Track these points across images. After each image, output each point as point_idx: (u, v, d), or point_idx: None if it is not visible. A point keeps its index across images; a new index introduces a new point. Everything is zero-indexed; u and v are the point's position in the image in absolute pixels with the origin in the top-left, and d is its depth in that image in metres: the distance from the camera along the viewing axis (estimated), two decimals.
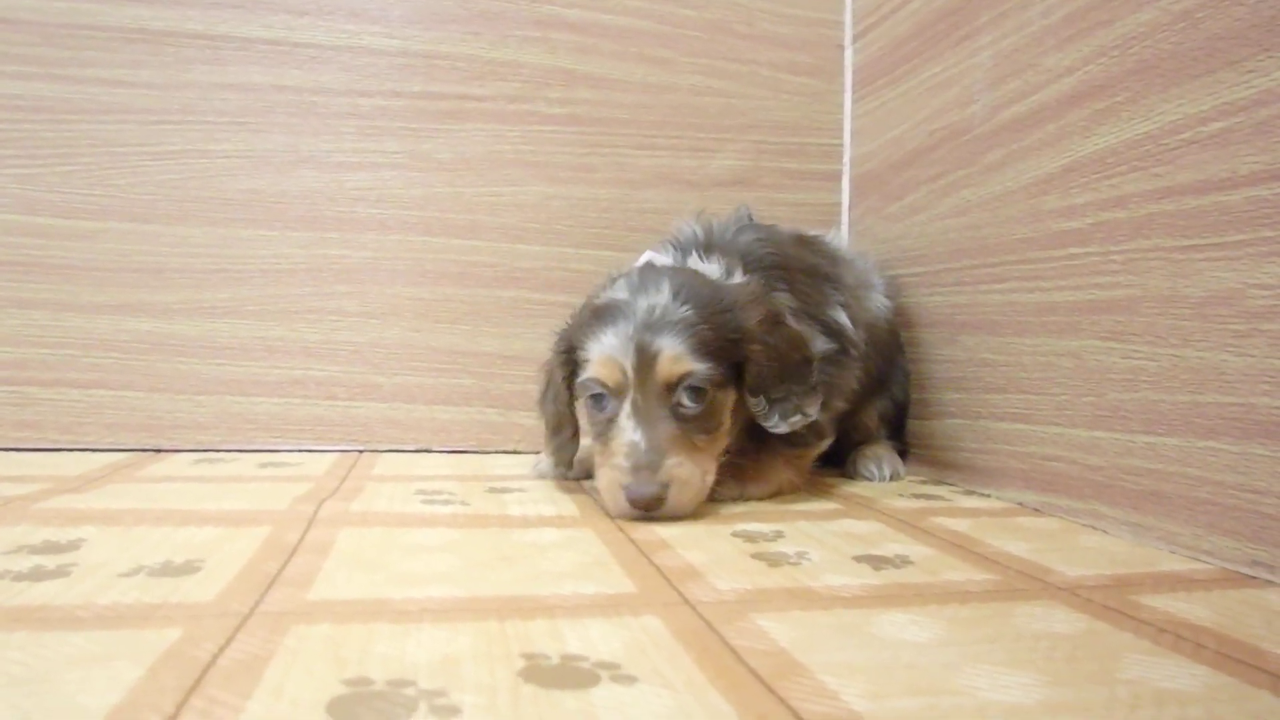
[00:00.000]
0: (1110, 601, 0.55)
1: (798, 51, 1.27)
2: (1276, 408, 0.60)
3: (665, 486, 0.75)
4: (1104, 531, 0.75)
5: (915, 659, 0.44)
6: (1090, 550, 0.68)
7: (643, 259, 0.94)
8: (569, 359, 0.86)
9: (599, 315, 0.82)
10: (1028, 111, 0.87)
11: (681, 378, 0.78)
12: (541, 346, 1.19)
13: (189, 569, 0.57)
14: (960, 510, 0.84)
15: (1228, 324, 0.64)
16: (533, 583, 0.56)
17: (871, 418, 1.05)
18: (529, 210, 1.21)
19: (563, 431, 0.90)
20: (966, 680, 0.41)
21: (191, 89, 1.14)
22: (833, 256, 1.02)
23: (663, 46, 1.24)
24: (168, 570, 0.56)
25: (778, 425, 0.83)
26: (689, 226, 0.97)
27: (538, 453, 1.10)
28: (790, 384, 0.83)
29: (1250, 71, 0.63)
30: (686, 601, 0.53)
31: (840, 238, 1.13)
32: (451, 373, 1.20)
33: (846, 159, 1.27)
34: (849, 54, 1.27)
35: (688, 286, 0.82)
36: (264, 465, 1.02)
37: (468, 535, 0.69)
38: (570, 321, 0.89)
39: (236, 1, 1.15)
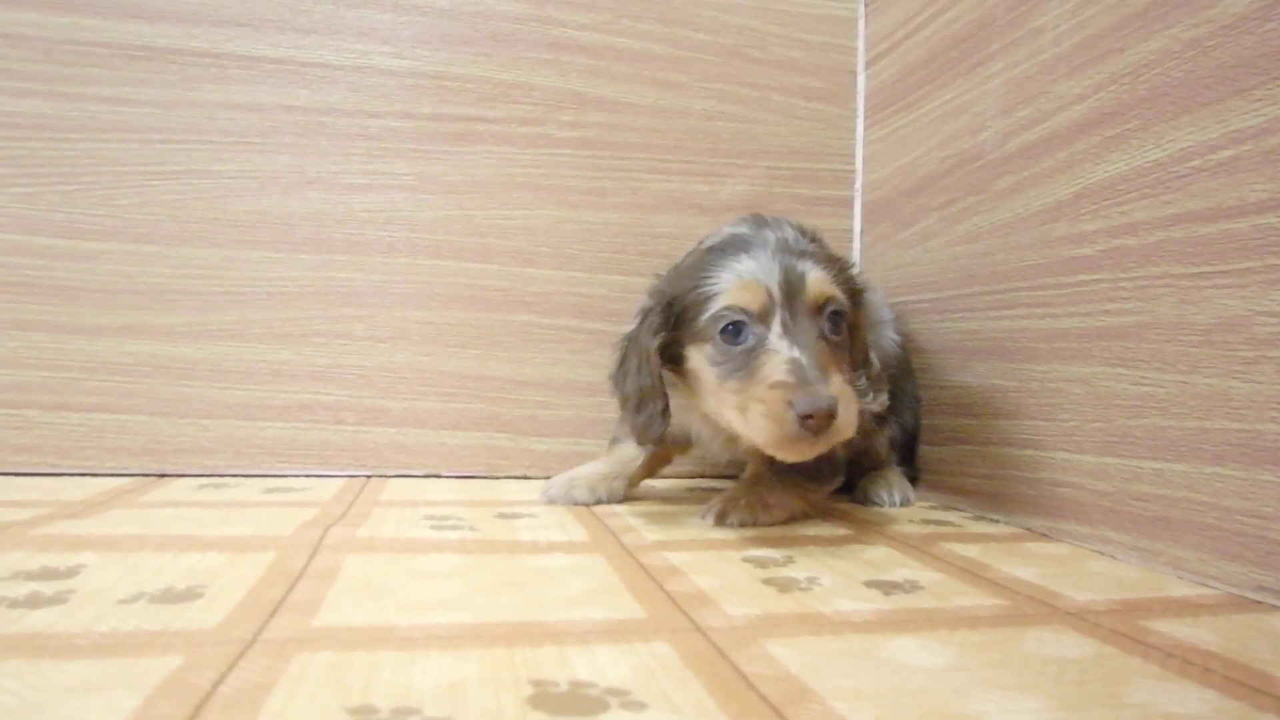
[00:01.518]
0: (1119, 626, 0.55)
1: (810, 77, 1.29)
2: None
3: (836, 400, 0.69)
4: (1112, 557, 0.76)
5: (925, 684, 0.45)
6: (1098, 575, 0.69)
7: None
8: (667, 316, 0.82)
9: (721, 251, 0.80)
10: (1039, 139, 0.88)
11: (829, 299, 0.77)
12: (554, 371, 1.23)
13: (191, 595, 0.57)
14: (970, 535, 0.84)
15: (1235, 351, 0.65)
16: (541, 609, 0.57)
17: (882, 444, 1.06)
18: (540, 234, 1.22)
19: (651, 405, 0.83)
20: (976, 705, 0.42)
21: (196, 108, 1.16)
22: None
23: (675, 70, 1.25)
24: (169, 597, 0.57)
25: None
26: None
27: (548, 477, 1.11)
28: (866, 366, 0.86)
29: (1259, 100, 0.64)
30: (697, 627, 0.54)
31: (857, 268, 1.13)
32: (461, 397, 1.21)
33: (858, 185, 1.29)
34: (861, 80, 1.28)
35: (809, 230, 0.84)
36: (270, 490, 1.03)
37: (476, 561, 0.70)
38: (666, 275, 0.86)
39: (242, 19, 1.17)
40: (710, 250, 0.81)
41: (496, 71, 1.22)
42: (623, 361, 0.86)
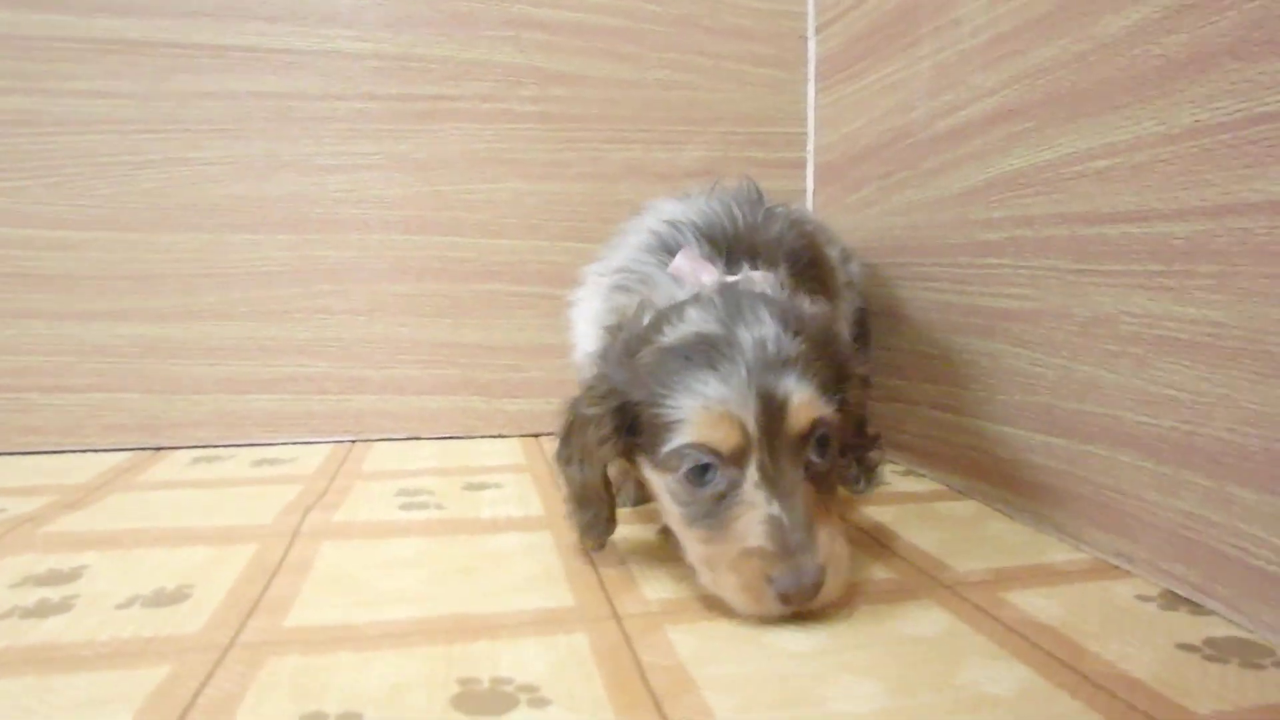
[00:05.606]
0: (981, 600, 0.65)
1: (762, 43, 1.35)
2: (1138, 421, 0.69)
3: (824, 570, 0.60)
4: (1010, 518, 0.86)
5: (791, 670, 0.54)
6: (991, 541, 0.79)
7: (682, 262, 0.76)
8: (620, 423, 0.68)
9: (684, 358, 0.64)
10: (959, 125, 0.95)
11: (814, 427, 0.64)
12: (523, 336, 1.31)
13: (180, 596, 0.67)
14: (893, 496, 0.94)
15: (1104, 344, 0.73)
16: (485, 599, 0.66)
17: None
18: (505, 206, 1.30)
19: (591, 508, 0.72)
20: (825, 690, 0.52)
21: (170, 98, 1.22)
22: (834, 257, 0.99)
23: (630, 42, 1.31)
24: (160, 599, 0.66)
25: (864, 489, 0.76)
26: (717, 208, 0.83)
27: (522, 436, 1.22)
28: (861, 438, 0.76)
29: (1128, 118, 0.71)
30: (615, 615, 0.64)
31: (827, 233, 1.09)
32: (437, 364, 1.30)
33: (810, 148, 1.35)
34: (812, 45, 1.34)
35: (792, 315, 0.67)
36: (258, 464, 1.13)
37: (437, 545, 0.79)
38: (611, 357, 0.71)
39: (210, 10, 1.22)
40: (671, 353, 0.65)
41: (458, 51, 1.28)
42: (566, 439, 0.72)
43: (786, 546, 0.59)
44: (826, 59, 1.30)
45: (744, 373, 0.62)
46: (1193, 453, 0.65)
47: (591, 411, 0.68)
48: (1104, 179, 0.74)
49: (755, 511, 0.61)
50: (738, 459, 0.63)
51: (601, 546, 0.75)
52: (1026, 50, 0.83)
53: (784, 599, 0.59)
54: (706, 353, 0.63)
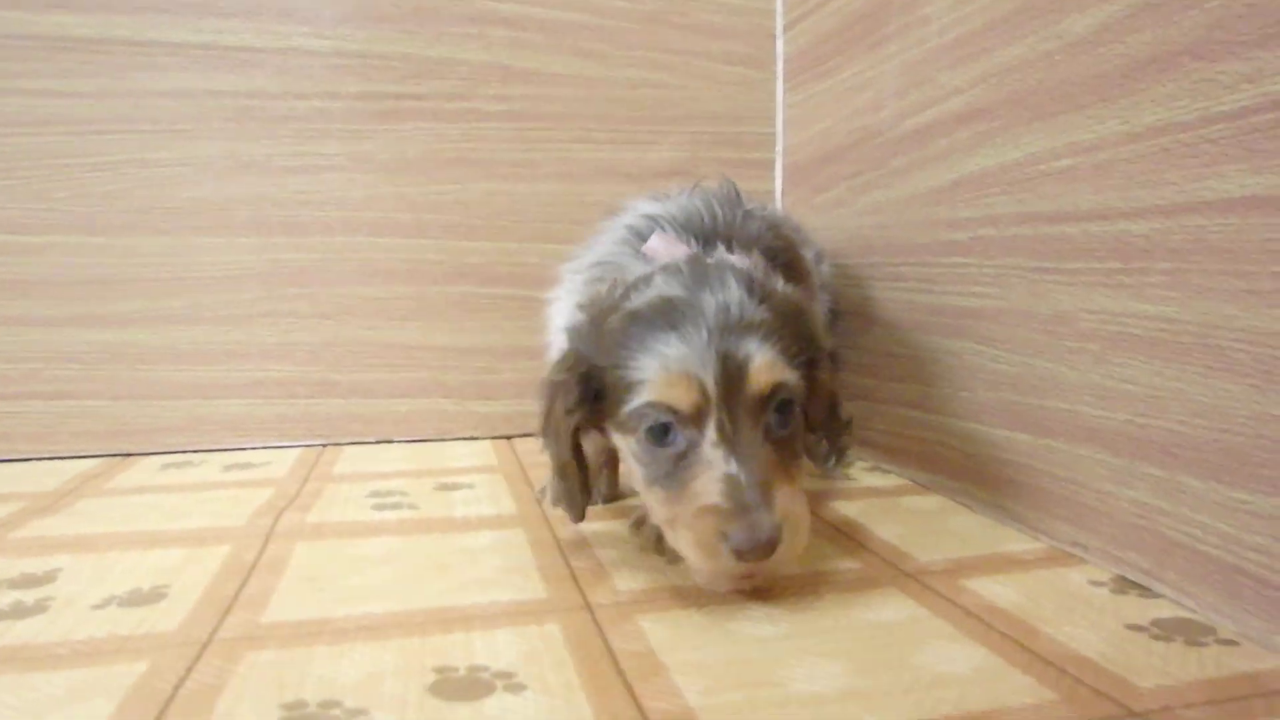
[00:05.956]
0: (942, 587, 0.69)
1: (730, 41, 1.39)
2: (1096, 415, 0.74)
3: (779, 528, 0.61)
4: (973, 510, 0.90)
5: (755, 654, 0.58)
6: (954, 533, 0.83)
7: (656, 242, 0.80)
8: (585, 390, 0.70)
9: (647, 322, 0.67)
10: (926, 124, 0.99)
11: (775, 390, 0.66)
12: (494, 338, 1.35)
13: (155, 596, 0.70)
14: (859, 491, 0.99)
15: (1064, 341, 0.77)
16: (458, 592, 0.70)
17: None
18: (473, 207, 1.33)
19: (570, 480, 0.74)
20: (788, 672, 0.55)
21: (125, 97, 1.23)
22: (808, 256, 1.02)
23: (598, 40, 1.35)
24: (136, 599, 0.69)
25: (833, 468, 0.77)
26: (696, 204, 0.85)
27: (494, 438, 1.25)
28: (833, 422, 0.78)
29: (1091, 117, 0.74)
30: (587, 605, 0.67)
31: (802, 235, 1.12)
32: (406, 367, 1.33)
33: (779, 147, 1.40)
34: (780, 43, 1.38)
35: (758, 283, 0.70)
36: (229, 468, 1.16)
37: (410, 544, 0.82)
38: (580, 330, 0.74)
39: (164, 6, 1.23)
40: (635, 317, 0.68)
41: (421, 48, 1.31)
42: (546, 415, 0.74)
43: (742, 504, 0.61)
44: (795, 57, 1.35)
45: (705, 334, 0.64)
46: (1146, 445, 0.69)
47: (559, 379, 0.71)
48: (1067, 178, 0.77)
49: (713, 470, 0.63)
50: (697, 419, 0.65)
51: (579, 519, 0.76)
52: (994, 49, 0.87)
53: (738, 555, 0.61)
54: (669, 315, 0.66)
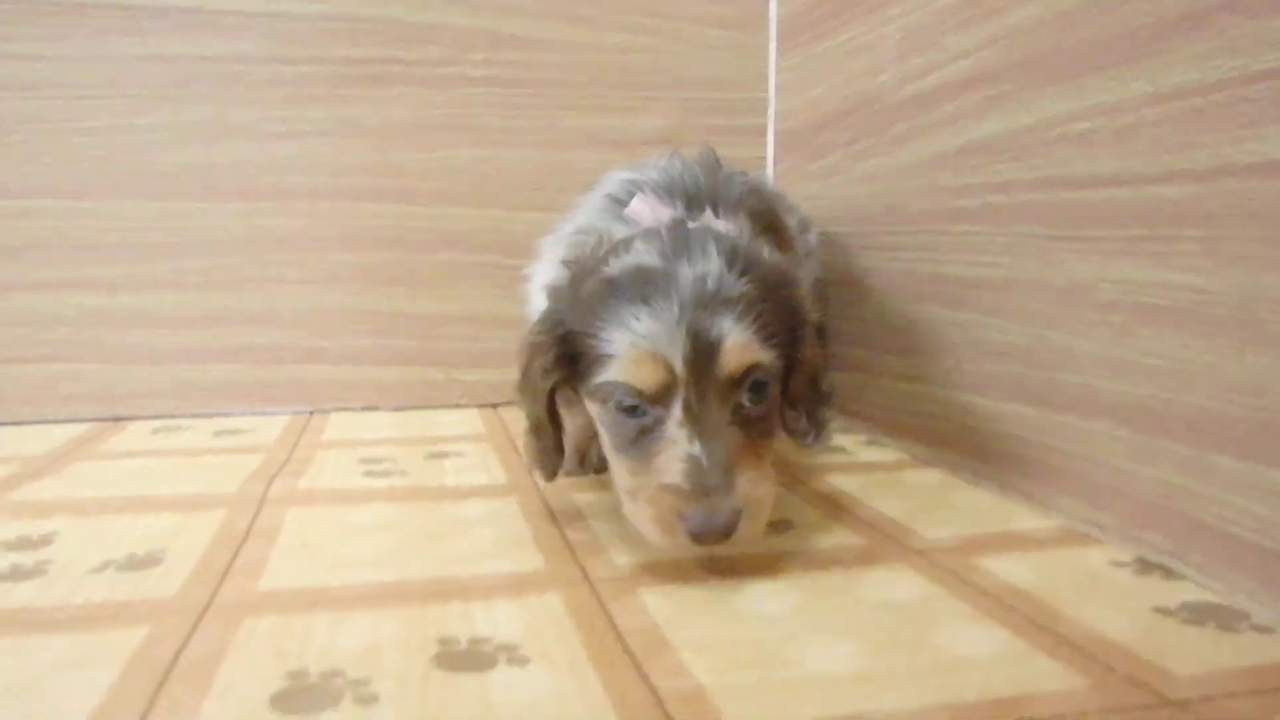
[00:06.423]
0: (954, 565, 0.67)
1: (722, 5, 1.35)
2: (1113, 391, 0.71)
3: (738, 513, 0.61)
4: (976, 485, 0.88)
5: (764, 633, 0.56)
6: (958, 509, 0.81)
7: (639, 205, 0.78)
8: (561, 354, 0.69)
9: (623, 290, 0.65)
10: (930, 89, 0.96)
11: (748, 371, 0.64)
12: (480, 306, 1.32)
13: (152, 561, 0.68)
14: (857, 465, 0.97)
15: (1081, 312, 0.75)
16: (454, 563, 0.67)
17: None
18: (459, 174, 1.30)
19: (544, 437, 0.73)
20: (799, 652, 0.53)
21: (112, 62, 1.20)
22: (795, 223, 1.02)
23: (587, 4, 1.31)
24: (133, 564, 0.67)
25: (810, 441, 0.75)
26: (677, 168, 0.84)
27: (480, 406, 1.23)
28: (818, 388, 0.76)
29: (1113, 79, 0.71)
30: (587, 578, 0.65)
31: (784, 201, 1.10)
32: (393, 334, 1.30)
33: (771, 114, 1.37)
34: (773, 5, 1.35)
35: (741, 253, 0.67)
36: (218, 434, 1.14)
37: (402, 512, 0.80)
38: (560, 293, 0.72)
39: None
40: (610, 285, 0.66)
41: (408, 13, 1.27)
42: (523, 372, 0.73)
43: (702, 487, 0.60)
44: (788, 20, 1.31)
45: (676, 309, 0.63)
46: (1171, 421, 0.66)
47: (537, 339, 0.70)
48: (1086, 143, 0.74)
49: (676, 449, 0.62)
50: (662, 397, 0.64)
51: (551, 478, 0.75)
52: (1005, 9, 0.83)
53: (694, 538, 0.60)
54: (643, 287, 0.64)
